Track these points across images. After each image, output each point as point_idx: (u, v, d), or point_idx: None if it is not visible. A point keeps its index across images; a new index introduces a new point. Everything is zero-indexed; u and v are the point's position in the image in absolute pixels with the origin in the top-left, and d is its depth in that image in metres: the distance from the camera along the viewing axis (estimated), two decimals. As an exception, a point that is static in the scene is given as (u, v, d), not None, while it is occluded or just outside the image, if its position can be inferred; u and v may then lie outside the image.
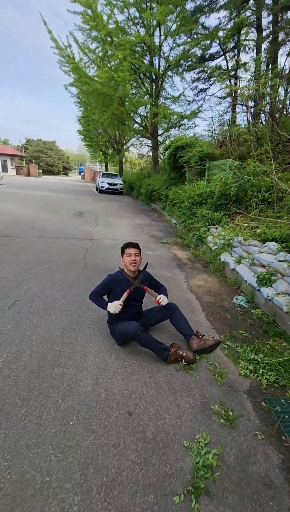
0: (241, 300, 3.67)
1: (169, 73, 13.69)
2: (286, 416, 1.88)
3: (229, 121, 10.59)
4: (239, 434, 1.72)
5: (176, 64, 13.05)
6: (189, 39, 13.26)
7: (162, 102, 13.49)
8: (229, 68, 14.83)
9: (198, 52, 14.39)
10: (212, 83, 16.23)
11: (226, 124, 11.14)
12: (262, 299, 3.46)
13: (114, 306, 2.34)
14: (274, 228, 4.20)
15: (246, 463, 1.55)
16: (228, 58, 14.90)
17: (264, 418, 1.87)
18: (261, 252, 3.93)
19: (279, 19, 11.55)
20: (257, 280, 3.60)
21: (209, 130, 13.10)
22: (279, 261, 3.52)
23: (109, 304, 2.39)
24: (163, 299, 2.47)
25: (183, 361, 2.29)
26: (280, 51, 12.06)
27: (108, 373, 2.11)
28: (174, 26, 11.80)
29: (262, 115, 9.02)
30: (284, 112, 8.35)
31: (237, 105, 12.02)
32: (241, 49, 14.40)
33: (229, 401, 1.97)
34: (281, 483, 1.46)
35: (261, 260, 3.77)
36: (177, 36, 12.25)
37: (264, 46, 12.37)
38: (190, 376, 2.18)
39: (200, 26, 13.97)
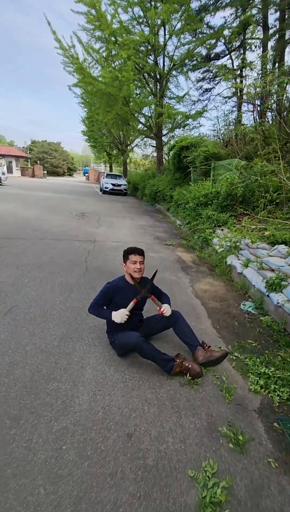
0: (249, 306, 3.48)
1: (174, 72, 13.53)
2: (302, 440, 1.70)
3: (234, 120, 10.39)
4: (250, 461, 1.55)
5: (180, 63, 12.89)
6: (194, 38, 13.10)
7: (166, 102, 13.34)
8: (235, 67, 14.64)
9: (203, 52, 14.23)
10: (217, 83, 16.05)
11: (231, 124, 10.95)
12: (271, 306, 3.27)
13: (120, 315, 2.17)
14: (284, 230, 4.01)
15: (258, 497, 1.37)
16: (233, 57, 14.71)
17: (277, 442, 1.69)
18: (270, 256, 3.74)
19: (286, 16, 11.34)
20: (266, 285, 3.41)
21: (215, 130, 12.93)
22: (290, 265, 3.33)
23: (114, 313, 2.20)
24: (167, 310, 2.29)
25: (188, 375, 2.12)
26: (287, 49, 11.84)
27: (107, 388, 1.95)
28: (179, 25, 11.66)
29: (269, 114, 8.81)
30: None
31: (243, 104, 11.83)
32: (247, 48, 14.21)
33: (238, 422, 1.80)
34: (299, 522, 1.29)
35: (270, 264, 3.58)
36: (181, 35, 12.09)
37: (271, 44, 12.15)
38: (196, 392, 2.01)
39: (205, 26, 13.82)
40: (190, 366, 2.15)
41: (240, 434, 1.68)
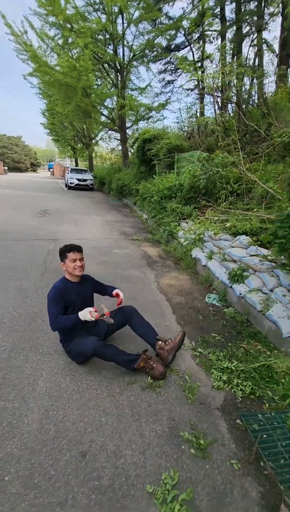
0: (214, 299, 3.47)
1: (135, 63, 13.24)
2: (265, 435, 1.67)
3: (196, 112, 10.42)
4: (213, 466, 1.48)
5: (141, 54, 12.63)
6: (153, 28, 12.88)
7: (128, 93, 13.03)
8: (195, 59, 14.69)
9: (164, 42, 14.10)
10: (179, 75, 16.04)
11: (194, 116, 10.98)
12: (234, 297, 3.27)
13: (88, 313, 1.96)
14: (244, 220, 4.04)
15: (221, 505, 1.30)
16: (194, 49, 14.74)
17: (240, 440, 1.64)
18: (232, 247, 3.75)
19: (243, 9, 11.55)
20: (229, 277, 3.41)
21: (178, 122, 12.92)
22: (251, 255, 3.35)
23: (80, 313, 1.99)
24: (119, 293, 2.32)
25: (149, 378, 2.01)
26: (245, 43, 12.10)
27: (61, 402, 1.78)
28: (137, 14, 11.34)
29: (230, 106, 8.93)
30: (250, 102, 8.30)
31: (204, 96, 11.91)
32: (206, 40, 14.30)
33: (201, 423, 1.73)
34: (261, 527, 1.23)
35: (232, 255, 3.58)
36: (140, 25, 11.82)
37: (230, 36, 12.32)
38: (157, 395, 1.91)
39: (164, 16, 13.66)
40: (154, 365, 2.05)
41: (202, 437, 1.61)
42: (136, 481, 1.36)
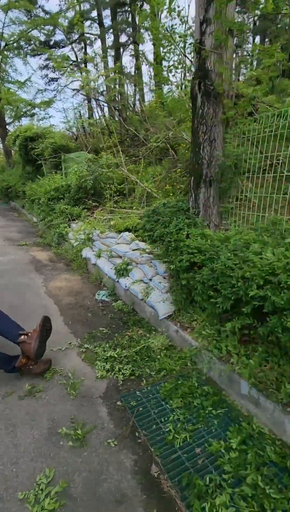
0: (103, 295, 3.58)
1: (10, 54, 12.19)
2: (141, 408, 1.84)
3: (80, 113, 10.43)
4: (90, 451, 1.54)
5: (16, 44, 11.72)
6: (28, 20, 12.15)
7: (5, 87, 11.89)
8: (78, 60, 14.67)
9: (42, 37, 13.53)
10: (63, 73, 15.70)
11: (81, 117, 10.96)
12: (121, 290, 3.46)
13: None
14: (127, 218, 4.31)
15: (96, 485, 1.37)
16: (76, 50, 14.70)
17: (119, 419, 1.76)
18: (118, 243, 3.95)
19: (120, 18, 12.21)
20: (116, 272, 3.58)
21: (65, 122, 12.67)
22: (133, 250, 3.60)
23: None
24: None
25: (28, 385, 1.93)
26: (125, 52, 12.84)
27: None
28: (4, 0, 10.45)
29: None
30: (130, 109, 8.86)
31: (91, 98, 12.04)
32: (88, 42, 14.50)
33: (82, 415, 1.77)
34: (133, 491, 1.36)
35: (117, 251, 3.77)
36: (11, 13, 10.92)
37: (110, 42, 12.81)
38: (38, 400, 1.85)
39: (39, 9, 13.09)
40: (36, 364, 1.98)
41: (80, 427, 1.65)
42: (6, 494, 1.29)
